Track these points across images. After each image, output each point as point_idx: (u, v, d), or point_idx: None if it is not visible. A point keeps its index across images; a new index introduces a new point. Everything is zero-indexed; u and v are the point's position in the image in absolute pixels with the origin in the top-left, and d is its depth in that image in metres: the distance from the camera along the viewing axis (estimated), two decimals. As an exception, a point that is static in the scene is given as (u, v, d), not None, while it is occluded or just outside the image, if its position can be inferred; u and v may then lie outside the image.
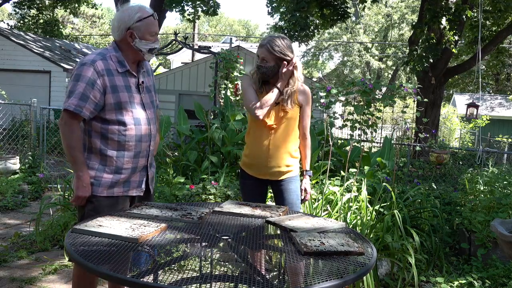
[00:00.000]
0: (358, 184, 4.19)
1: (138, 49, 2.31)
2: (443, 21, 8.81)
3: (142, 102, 2.38)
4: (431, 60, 9.13)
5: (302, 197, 2.85)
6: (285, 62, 2.61)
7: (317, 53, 36.30)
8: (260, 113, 2.61)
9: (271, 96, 2.62)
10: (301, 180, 2.86)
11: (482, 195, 4.58)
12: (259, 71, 2.65)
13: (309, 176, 2.88)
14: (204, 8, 12.93)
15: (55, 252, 4.04)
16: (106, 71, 2.26)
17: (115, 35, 2.34)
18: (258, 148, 2.71)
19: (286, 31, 11.49)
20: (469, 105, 12.33)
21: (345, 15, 11.10)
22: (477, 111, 12.34)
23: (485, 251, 3.94)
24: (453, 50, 9.29)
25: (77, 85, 2.21)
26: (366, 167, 4.92)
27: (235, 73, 7.20)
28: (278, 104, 2.66)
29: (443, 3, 9.07)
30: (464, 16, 9.00)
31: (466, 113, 12.34)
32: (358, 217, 3.78)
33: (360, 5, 11.06)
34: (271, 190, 3.19)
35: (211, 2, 12.63)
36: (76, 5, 18.44)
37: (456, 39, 9.27)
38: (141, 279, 1.48)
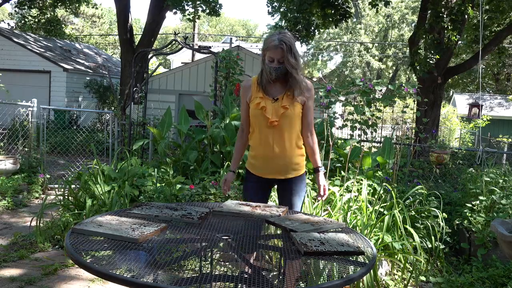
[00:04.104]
0: (358, 184, 4.19)
1: None
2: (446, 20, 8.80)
3: None
4: (434, 60, 9.12)
5: (321, 194, 2.72)
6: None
7: (317, 53, 36.30)
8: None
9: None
10: (315, 177, 2.74)
11: (482, 195, 4.57)
12: (277, 72, 2.50)
13: (323, 171, 2.74)
14: (204, 8, 12.88)
15: (55, 252, 4.04)
16: None
17: None
18: (263, 146, 2.62)
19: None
20: (472, 105, 12.20)
21: (346, 15, 11.10)
22: (480, 111, 12.24)
23: (485, 251, 3.93)
24: (454, 50, 9.28)
25: None
26: (366, 167, 4.92)
27: (236, 73, 7.20)
28: (277, 100, 2.56)
29: (444, 2, 9.06)
30: (466, 16, 9.00)
31: (470, 113, 12.18)
32: (358, 217, 3.78)
33: (373, 8, 11.02)
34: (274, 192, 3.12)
35: (212, 1, 12.56)
36: (77, 5, 18.43)
37: (457, 38, 9.26)
38: (141, 279, 1.48)
